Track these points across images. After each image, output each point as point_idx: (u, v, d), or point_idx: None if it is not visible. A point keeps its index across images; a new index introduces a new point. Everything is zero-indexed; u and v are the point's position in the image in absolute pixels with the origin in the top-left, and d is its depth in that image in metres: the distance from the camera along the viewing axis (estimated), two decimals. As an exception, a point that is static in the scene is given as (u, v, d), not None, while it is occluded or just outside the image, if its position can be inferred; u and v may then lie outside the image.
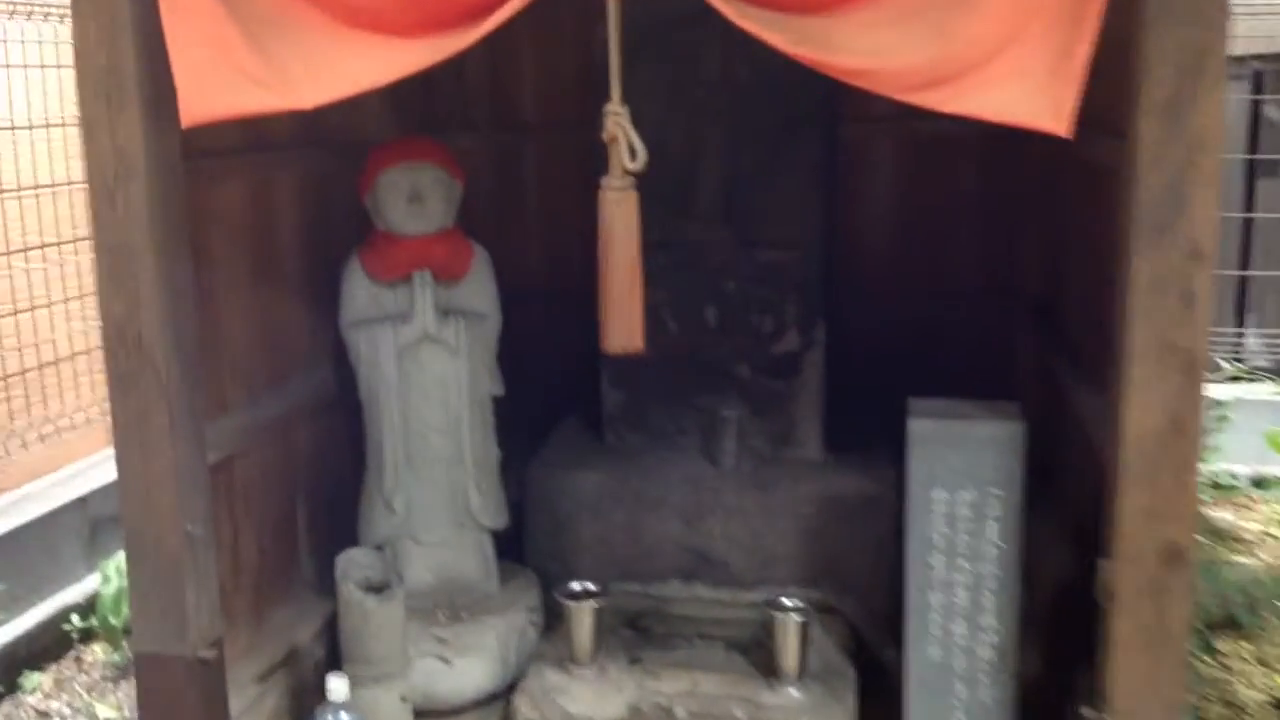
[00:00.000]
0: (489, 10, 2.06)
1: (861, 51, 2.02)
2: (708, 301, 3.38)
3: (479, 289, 3.09)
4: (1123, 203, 2.12)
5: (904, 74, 2.01)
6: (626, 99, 2.17)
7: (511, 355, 3.23)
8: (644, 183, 2.21)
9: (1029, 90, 1.96)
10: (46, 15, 4.28)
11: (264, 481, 2.92)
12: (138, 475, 2.37)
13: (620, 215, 2.23)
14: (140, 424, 2.35)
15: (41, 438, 4.31)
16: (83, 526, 4.08)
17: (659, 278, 2.87)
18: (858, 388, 3.54)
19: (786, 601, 2.77)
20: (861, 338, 3.67)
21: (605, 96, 2.18)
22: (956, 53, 1.98)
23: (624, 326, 2.26)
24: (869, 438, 3.45)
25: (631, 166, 2.18)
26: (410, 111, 3.52)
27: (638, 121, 2.17)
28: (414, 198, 2.96)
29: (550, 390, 3.77)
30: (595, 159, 2.26)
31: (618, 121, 2.16)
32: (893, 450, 3.31)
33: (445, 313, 3.00)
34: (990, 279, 4.03)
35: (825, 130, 3.38)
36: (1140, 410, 2.06)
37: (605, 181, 2.23)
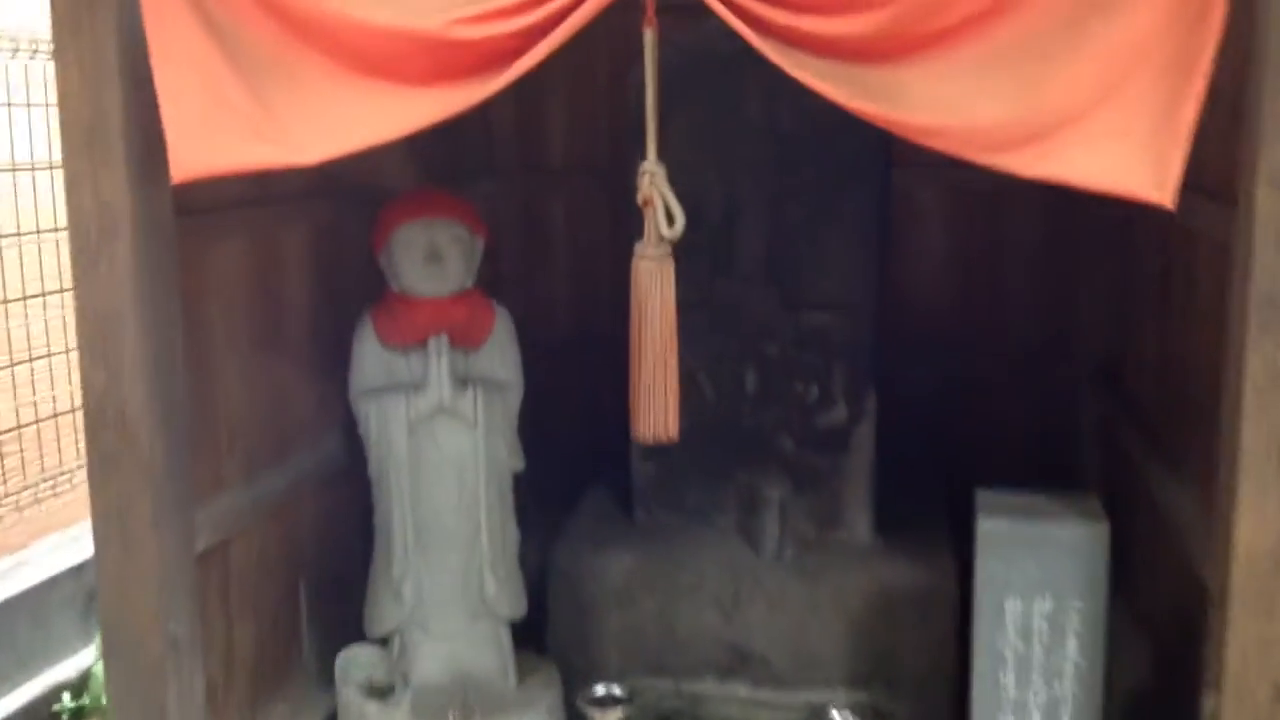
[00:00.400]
0: (511, 58, 1.85)
1: (932, 106, 1.78)
2: (748, 367, 3.13)
3: (500, 355, 2.86)
4: (1232, 281, 1.87)
5: (983, 132, 1.77)
6: (662, 148, 1.95)
7: (534, 415, 3.00)
8: (680, 238, 1.98)
9: (1128, 152, 1.72)
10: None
11: (262, 566, 2.69)
12: (117, 570, 2.16)
13: (655, 288, 1.99)
14: (121, 514, 2.14)
15: (38, 499, 4.11)
16: (78, 595, 3.86)
17: (695, 340, 2.64)
18: (908, 454, 3.29)
19: (835, 714, 2.50)
20: (911, 399, 3.41)
21: (639, 145, 1.96)
22: (1046, 107, 1.74)
23: (656, 412, 2.02)
24: (923, 515, 3.19)
25: (668, 234, 1.95)
26: (431, 158, 3.32)
27: (673, 171, 1.94)
28: (431, 257, 2.73)
29: (576, 455, 3.53)
30: (628, 206, 2.03)
31: (654, 183, 1.93)
32: (950, 531, 3.07)
33: (463, 382, 2.77)
34: (1049, 339, 3.81)
35: (877, 182, 3.14)
36: (1252, 526, 1.79)
37: (639, 249, 2.00)
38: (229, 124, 1.91)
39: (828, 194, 3.04)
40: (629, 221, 2.04)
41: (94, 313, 2.11)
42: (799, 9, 1.76)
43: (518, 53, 1.84)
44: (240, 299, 2.62)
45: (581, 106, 3.95)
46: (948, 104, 1.77)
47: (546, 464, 3.07)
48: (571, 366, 3.78)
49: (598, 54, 3.46)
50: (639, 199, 1.96)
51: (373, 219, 2.87)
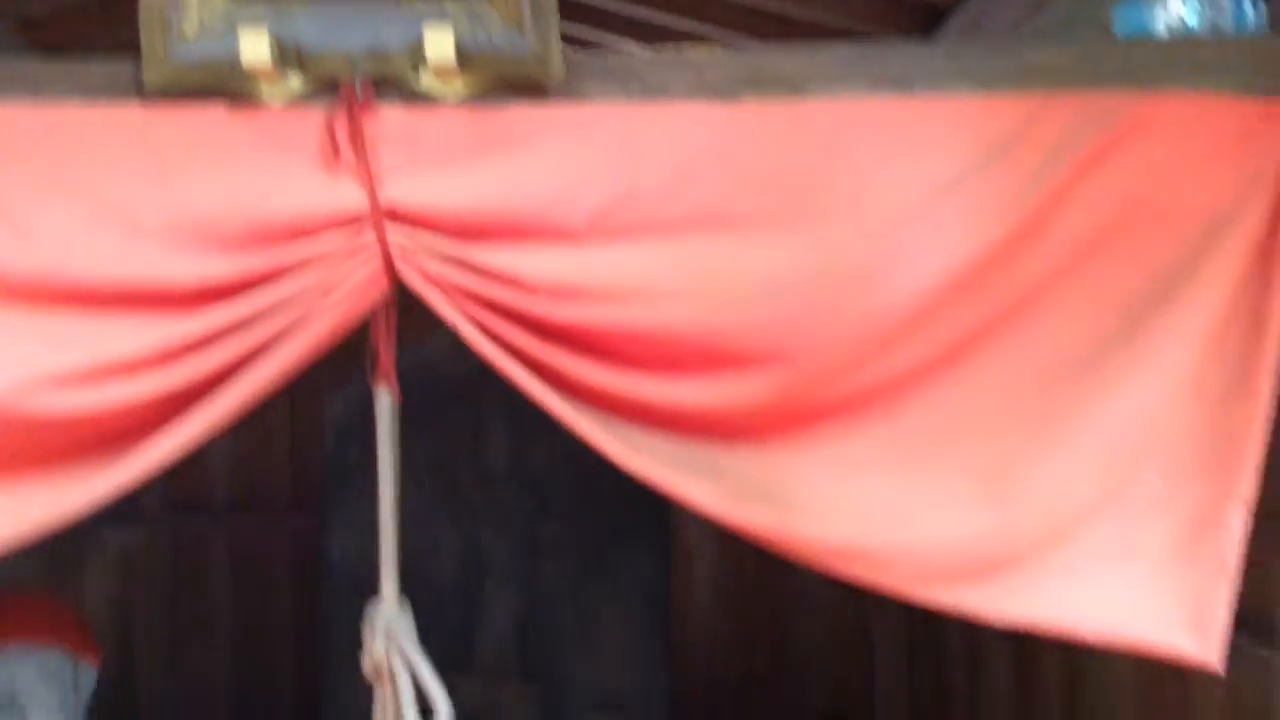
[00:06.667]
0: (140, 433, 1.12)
1: (843, 514, 1.18)
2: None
3: None
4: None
5: (922, 555, 1.18)
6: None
7: None
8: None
9: (1144, 586, 1.17)
10: None
11: None
12: None
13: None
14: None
15: None
16: None
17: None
18: None
19: None
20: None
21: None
22: (1018, 522, 1.17)
23: None
24: None
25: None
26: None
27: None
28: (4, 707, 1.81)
29: None
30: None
31: (391, 644, 1.19)
32: None
33: None
34: (851, 699, 3.32)
35: (660, 538, 2.54)
36: None
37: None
38: None
39: (599, 555, 2.47)
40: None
41: None
42: (635, 366, 1.15)
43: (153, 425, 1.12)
44: None
45: (251, 436, 3.12)
46: (866, 509, 1.17)
47: None
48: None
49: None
50: (364, 665, 1.21)
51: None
